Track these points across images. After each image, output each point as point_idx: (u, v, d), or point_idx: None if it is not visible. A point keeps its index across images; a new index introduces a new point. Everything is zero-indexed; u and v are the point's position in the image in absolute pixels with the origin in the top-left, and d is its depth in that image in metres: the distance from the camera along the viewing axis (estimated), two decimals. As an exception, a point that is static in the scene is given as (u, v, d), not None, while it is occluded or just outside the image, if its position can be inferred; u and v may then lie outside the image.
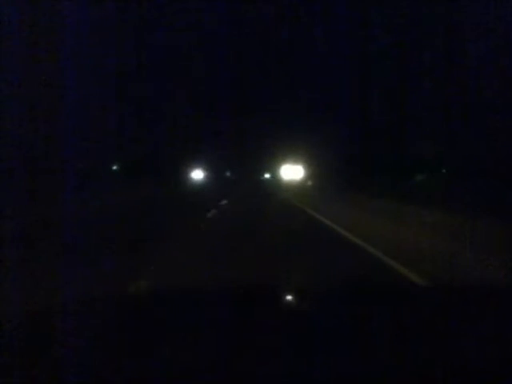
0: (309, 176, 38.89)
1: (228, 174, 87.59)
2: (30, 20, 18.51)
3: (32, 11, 18.67)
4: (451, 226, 6.99)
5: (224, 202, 17.63)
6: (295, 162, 42.09)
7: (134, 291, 3.40)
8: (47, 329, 1.15)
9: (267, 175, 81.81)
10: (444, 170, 22.92)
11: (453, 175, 19.47)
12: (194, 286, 1.60)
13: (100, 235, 7.27)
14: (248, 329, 1.09)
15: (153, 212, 13.40)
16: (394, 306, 1.35)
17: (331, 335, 1.07)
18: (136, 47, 36.40)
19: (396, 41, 23.25)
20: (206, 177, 56.84)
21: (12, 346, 1.03)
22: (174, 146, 46.73)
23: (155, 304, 1.38)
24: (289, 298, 1.54)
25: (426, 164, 22.83)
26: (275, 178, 55.35)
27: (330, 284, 1.70)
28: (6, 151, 17.78)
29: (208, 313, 1.24)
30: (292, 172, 43.21)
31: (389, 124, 24.01)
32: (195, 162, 54.98)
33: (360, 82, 27.48)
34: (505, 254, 4.69)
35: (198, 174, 55.83)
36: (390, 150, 23.98)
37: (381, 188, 16.68)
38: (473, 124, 19.63)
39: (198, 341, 1.01)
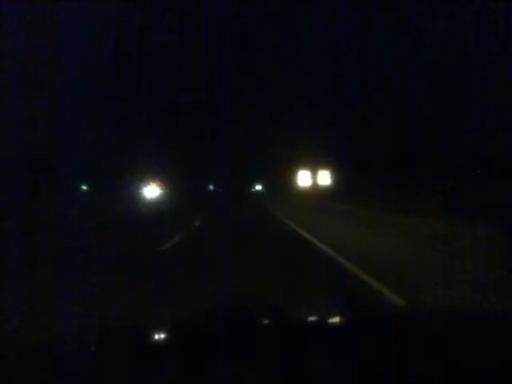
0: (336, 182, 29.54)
1: (211, 187, 71.54)
2: (29, 20, 18.53)
3: (32, 11, 18.67)
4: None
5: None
6: (316, 165, 32.11)
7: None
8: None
9: (258, 187, 68.88)
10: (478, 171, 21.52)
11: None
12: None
13: None
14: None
15: None
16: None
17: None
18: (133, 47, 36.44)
19: (398, 40, 23.23)
20: (168, 193, 41.42)
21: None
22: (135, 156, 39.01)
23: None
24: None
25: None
26: (276, 190, 42.68)
27: None
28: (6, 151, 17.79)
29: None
30: (308, 178, 32.41)
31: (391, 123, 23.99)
32: (152, 174, 41.63)
33: (362, 81, 27.46)
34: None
35: (151, 191, 40.05)
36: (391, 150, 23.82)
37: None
38: (473, 124, 19.62)
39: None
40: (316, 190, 30.29)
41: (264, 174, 59.36)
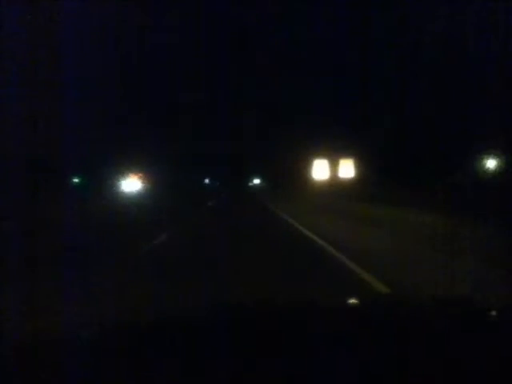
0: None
1: (207, 180, 69.25)
2: (29, 20, 18.52)
3: (32, 11, 18.67)
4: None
5: None
6: (337, 153, 25.57)
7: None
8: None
9: (257, 180, 65.56)
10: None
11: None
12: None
13: None
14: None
15: None
16: None
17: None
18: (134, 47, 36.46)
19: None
20: (151, 187, 36.25)
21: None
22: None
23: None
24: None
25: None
26: (280, 184, 37.42)
27: None
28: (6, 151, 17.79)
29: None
30: (326, 169, 25.72)
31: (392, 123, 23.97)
32: (134, 166, 36.38)
33: (362, 81, 27.47)
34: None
35: (130, 185, 35.16)
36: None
37: None
38: (473, 124, 19.62)
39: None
40: (335, 185, 24.11)
41: (265, 165, 54.19)
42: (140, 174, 37.09)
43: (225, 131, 62.19)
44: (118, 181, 35.33)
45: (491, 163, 21.86)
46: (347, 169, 24.95)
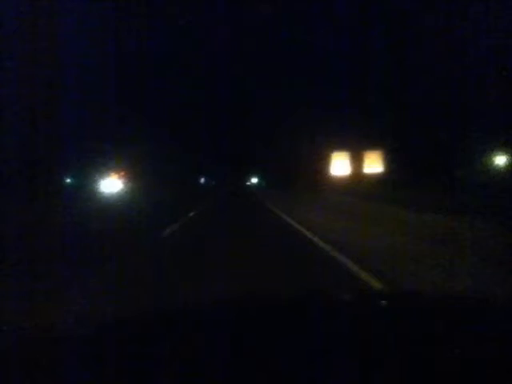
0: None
1: (203, 179, 66.33)
2: (29, 20, 18.54)
3: (32, 11, 18.69)
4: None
5: None
6: (360, 146, 21.85)
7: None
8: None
9: (254, 180, 64.01)
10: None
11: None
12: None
13: None
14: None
15: None
16: None
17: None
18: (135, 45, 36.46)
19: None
20: (134, 187, 32.18)
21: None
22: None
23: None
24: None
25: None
26: (284, 184, 32.66)
27: None
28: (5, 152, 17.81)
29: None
30: (346, 164, 22.15)
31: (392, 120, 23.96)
32: (117, 163, 32.55)
33: (362, 81, 27.47)
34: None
35: (109, 185, 31.11)
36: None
37: None
38: (473, 124, 19.65)
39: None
40: (359, 181, 20.44)
41: (263, 163, 51.60)
42: (122, 173, 32.84)
43: (225, 131, 62.54)
44: (98, 181, 31.67)
45: (501, 160, 21.25)
46: (374, 163, 21.60)
